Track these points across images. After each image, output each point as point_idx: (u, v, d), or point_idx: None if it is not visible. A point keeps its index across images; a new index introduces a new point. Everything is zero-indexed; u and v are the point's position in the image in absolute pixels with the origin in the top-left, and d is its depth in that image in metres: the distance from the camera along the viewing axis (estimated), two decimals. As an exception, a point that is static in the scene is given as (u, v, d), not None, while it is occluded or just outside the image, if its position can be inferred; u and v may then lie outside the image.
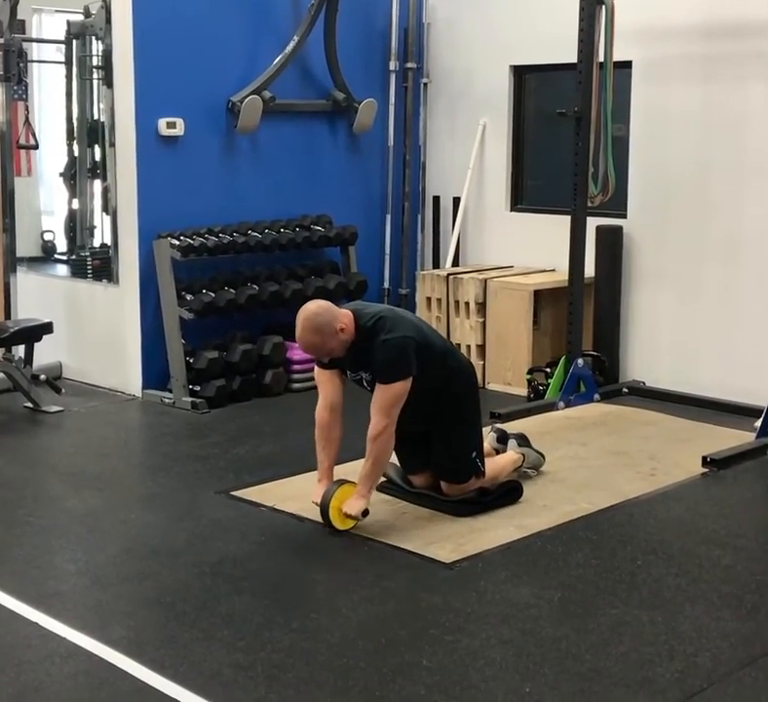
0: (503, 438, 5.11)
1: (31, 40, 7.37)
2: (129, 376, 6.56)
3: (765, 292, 6.14)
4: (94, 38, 6.98)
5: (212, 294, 6.41)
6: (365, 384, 4.51)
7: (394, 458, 4.77)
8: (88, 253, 7.23)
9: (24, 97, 7.17)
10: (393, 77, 7.39)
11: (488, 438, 5.09)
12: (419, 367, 4.41)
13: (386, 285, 7.52)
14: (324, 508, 4.39)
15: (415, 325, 4.58)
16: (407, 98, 7.44)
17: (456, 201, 7.41)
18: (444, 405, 4.61)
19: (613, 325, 6.68)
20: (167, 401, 6.36)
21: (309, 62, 6.98)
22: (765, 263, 6.12)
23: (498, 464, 4.87)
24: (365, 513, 4.41)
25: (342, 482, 4.47)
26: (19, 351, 6.33)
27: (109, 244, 6.81)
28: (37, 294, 6.96)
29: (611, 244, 6.62)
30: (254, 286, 6.60)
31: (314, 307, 4.38)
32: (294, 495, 4.71)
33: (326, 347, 4.38)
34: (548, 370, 6.51)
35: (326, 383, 4.57)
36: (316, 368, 4.62)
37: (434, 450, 4.69)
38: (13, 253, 6.68)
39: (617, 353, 6.71)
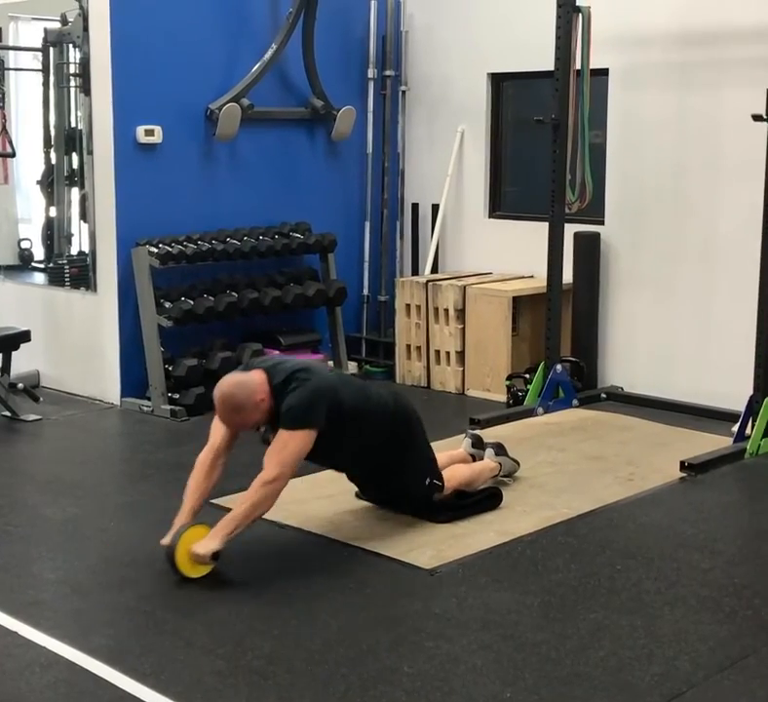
0: (478, 443, 5.09)
1: (8, 48, 7.33)
2: (107, 385, 6.54)
3: (741, 297, 6.17)
4: (71, 46, 6.95)
5: (191, 302, 6.40)
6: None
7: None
8: (65, 262, 7.18)
9: (1, 105, 7.13)
10: (371, 85, 7.40)
11: (463, 443, 5.09)
12: (336, 420, 4.15)
13: (365, 292, 7.53)
14: (170, 551, 3.97)
15: (329, 376, 4.34)
16: (386, 106, 7.46)
17: (435, 208, 7.42)
18: (387, 445, 4.42)
19: (591, 330, 6.71)
20: (146, 409, 6.34)
21: (287, 70, 6.99)
22: (741, 268, 6.15)
23: (475, 470, 4.86)
24: (215, 556, 3.95)
25: (197, 523, 4.08)
26: (-3, 360, 6.32)
27: (87, 252, 6.79)
28: (14, 303, 6.94)
29: (589, 250, 6.64)
30: (233, 293, 6.59)
31: (228, 387, 4.12)
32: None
33: (251, 422, 4.19)
34: (527, 376, 6.53)
35: (219, 428, 4.26)
36: (215, 418, 4.30)
37: (389, 487, 4.60)
38: (-10, 261, 6.67)
39: (595, 359, 6.73)
